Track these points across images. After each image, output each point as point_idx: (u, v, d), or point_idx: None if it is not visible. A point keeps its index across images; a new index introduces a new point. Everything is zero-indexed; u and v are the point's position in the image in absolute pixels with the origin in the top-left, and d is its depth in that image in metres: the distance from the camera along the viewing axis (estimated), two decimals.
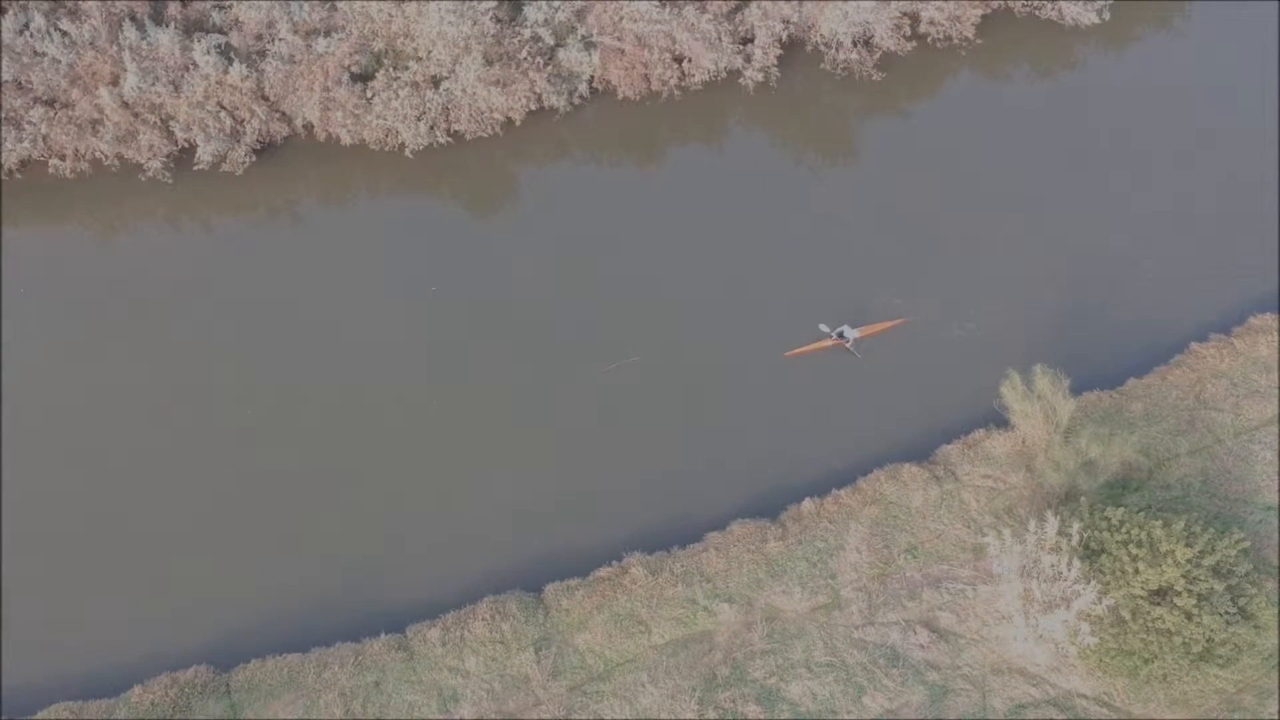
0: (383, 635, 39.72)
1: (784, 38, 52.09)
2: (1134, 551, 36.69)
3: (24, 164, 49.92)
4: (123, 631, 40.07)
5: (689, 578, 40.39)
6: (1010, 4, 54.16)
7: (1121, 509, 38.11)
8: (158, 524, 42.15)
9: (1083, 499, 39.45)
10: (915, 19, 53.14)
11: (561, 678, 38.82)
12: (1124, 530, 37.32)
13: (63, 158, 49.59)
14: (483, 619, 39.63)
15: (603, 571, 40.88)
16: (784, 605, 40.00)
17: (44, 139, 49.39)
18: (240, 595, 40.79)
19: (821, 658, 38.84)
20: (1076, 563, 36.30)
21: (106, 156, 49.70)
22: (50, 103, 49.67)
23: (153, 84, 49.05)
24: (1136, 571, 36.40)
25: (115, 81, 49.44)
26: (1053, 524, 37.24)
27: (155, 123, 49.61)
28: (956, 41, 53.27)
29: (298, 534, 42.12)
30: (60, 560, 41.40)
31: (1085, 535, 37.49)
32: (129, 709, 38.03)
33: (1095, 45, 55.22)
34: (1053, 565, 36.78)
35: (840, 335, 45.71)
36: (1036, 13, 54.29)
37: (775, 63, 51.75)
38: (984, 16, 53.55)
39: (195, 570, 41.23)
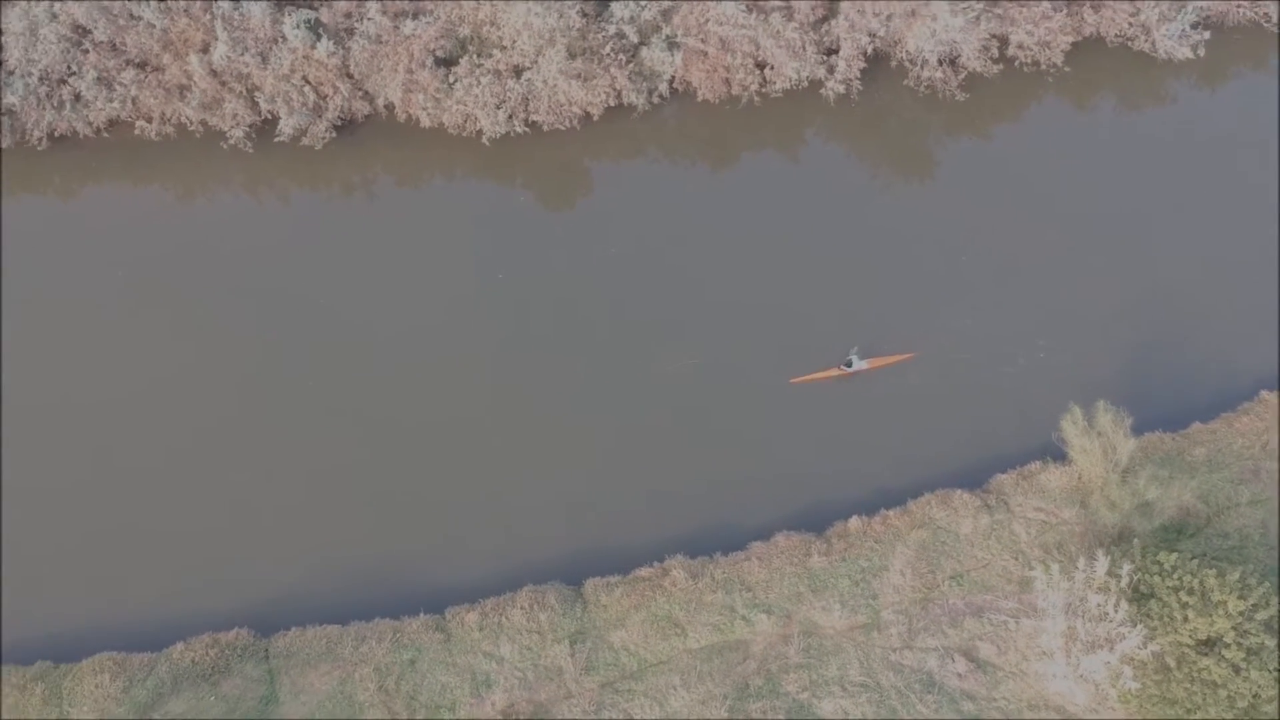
0: (422, 615, 40.16)
1: (869, 51, 51.71)
2: (1185, 599, 35.97)
3: (112, 123, 51.02)
4: (170, 590, 40.98)
5: (729, 585, 40.30)
6: (1102, 33, 53.26)
7: (1175, 554, 37.37)
8: (216, 488, 42.99)
9: (1136, 540, 38.74)
10: (1004, 42, 52.46)
11: (594, 673, 38.92)
12: (1176, 576, 36.59)
13: (149, 120, 50.65)
14: (521, 608, 39.86)
15: (644, 571, 40.94)
16: (823, 621, 39.75)
17: (133, 101, 50.44)
18: (286, 565, 41.49)
19: (856, 677, 38.55)
20: (1124, 604, 35.69)
21: (191, 122, 50.65)
22: (142, 65, 50.70)
23: (241, 54, 49.87)
24: (1186, 619, 35.69)
25: (206, 49, 50.35)
26: (1103, 563, 36.62)
27: (241, 92, 50.44)
28: (1044, 67, 52.52)
29: (348, 509, 42.69)
30: (119, 515, 42.41)
31: (1135, 578, 36.82)
32: (170, 664, 38.84)
33: (1187, 81, 54.13)
34: (1099, 605, 36.18)
35: (848, 365, 45.14)
36: (1129, 44, 53.35)
37: (858, 75, 51.39)
38: (1074, 44, 52.73)
39: (245, 536, 42.02)
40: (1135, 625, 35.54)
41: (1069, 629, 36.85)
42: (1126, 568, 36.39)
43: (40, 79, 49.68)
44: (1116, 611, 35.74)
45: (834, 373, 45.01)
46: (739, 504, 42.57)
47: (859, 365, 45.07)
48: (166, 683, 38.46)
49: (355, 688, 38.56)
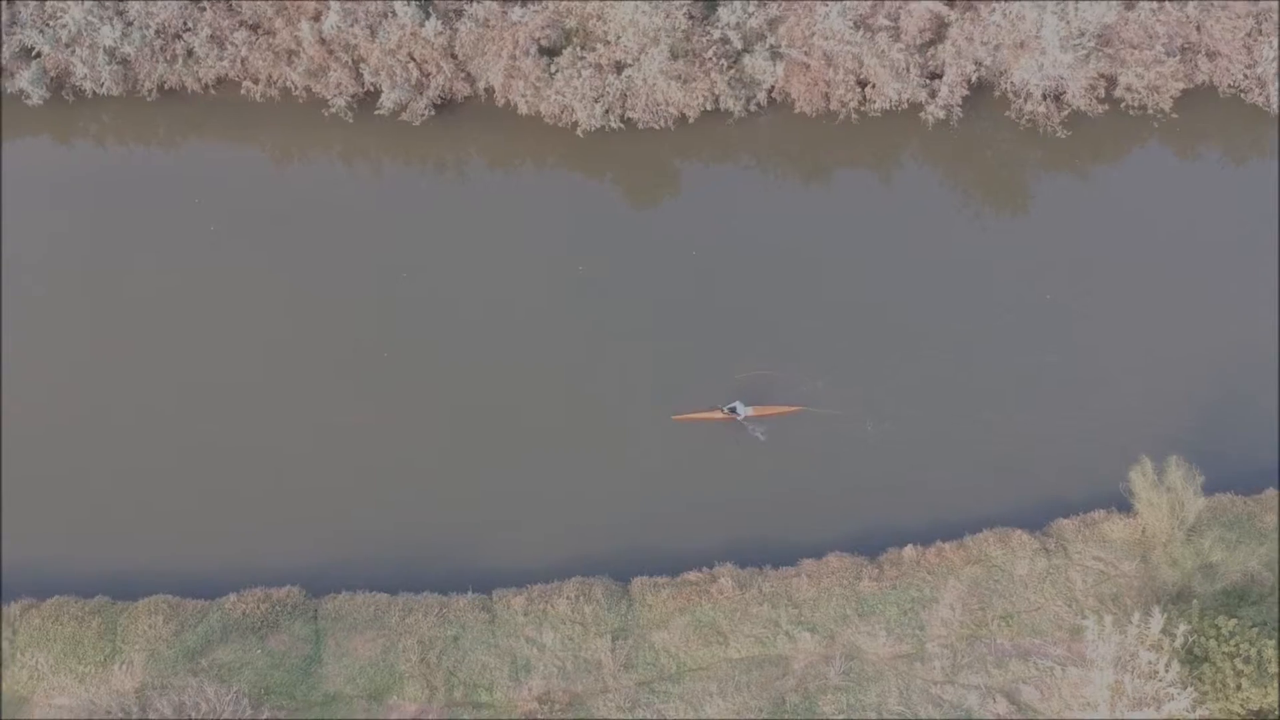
0: (469, 593, 40.64)
1: (973, 79, 51.13)
2: (1240, 666, 35.22)
3: (220, 81, 52.19)
4: (230, 543, 42.06)
5: (776, 599, 40.22)
6: (1215, 83, 52.13)
7: (1235, 620, 36.59)
8: (284, 450, 44.04)
9: (1195, 601, 37.99)
10: (1112, 82, 51.56)
11: (633, 671, 39.11)
12: (1233, 642, 35.83)
13: (256, 81, 51.72)
14: (568, 598, 40.15)
15: (692, 575, 41.04)
16: (866, 646, 39.52)
17: (243, 61, 51.52)
18: (344, 530, 42.36)
19: (895, 706, 38.30)
20: (1176, 665, 35.00)
21: (296, 87, 51.62)
22: (254, 27, 51.77)
23: (351, 25, 50.70)
24: (1239, 688, 34.96)
25: (317, 17, 51.26)
26: (1158, 620, 35.94)
27: (347, 63, 51.29)
28: (1151, 111, 51.50)
29: (409, 483, 43.42)
30: (190, 465, 43.64)
31: (1190, 639, 36.08)
32: (222, 614, 39.77)
33: None
34: (1150, 663, 35.50)
35: (732, 410, 44.55)
36: (1242, 95, 52.09)
37: (960, 102, 50.86)
38: (1185, 91, 51.63)
39: (307, 499, 42.94)
40: (1185, 687, 34.84)
41: (1116, 683, 36.20)
42: (1183, 628, 35.70)
43: (157, 32, 50.97)
44: (1167, 671, 35.05)
45: (717, 415, 44.55)
46: (795, 519, 42.51)
47: (744, 412, 44.56)
48: (216, 631, 39.38)
49: (397, 657, 39.14)
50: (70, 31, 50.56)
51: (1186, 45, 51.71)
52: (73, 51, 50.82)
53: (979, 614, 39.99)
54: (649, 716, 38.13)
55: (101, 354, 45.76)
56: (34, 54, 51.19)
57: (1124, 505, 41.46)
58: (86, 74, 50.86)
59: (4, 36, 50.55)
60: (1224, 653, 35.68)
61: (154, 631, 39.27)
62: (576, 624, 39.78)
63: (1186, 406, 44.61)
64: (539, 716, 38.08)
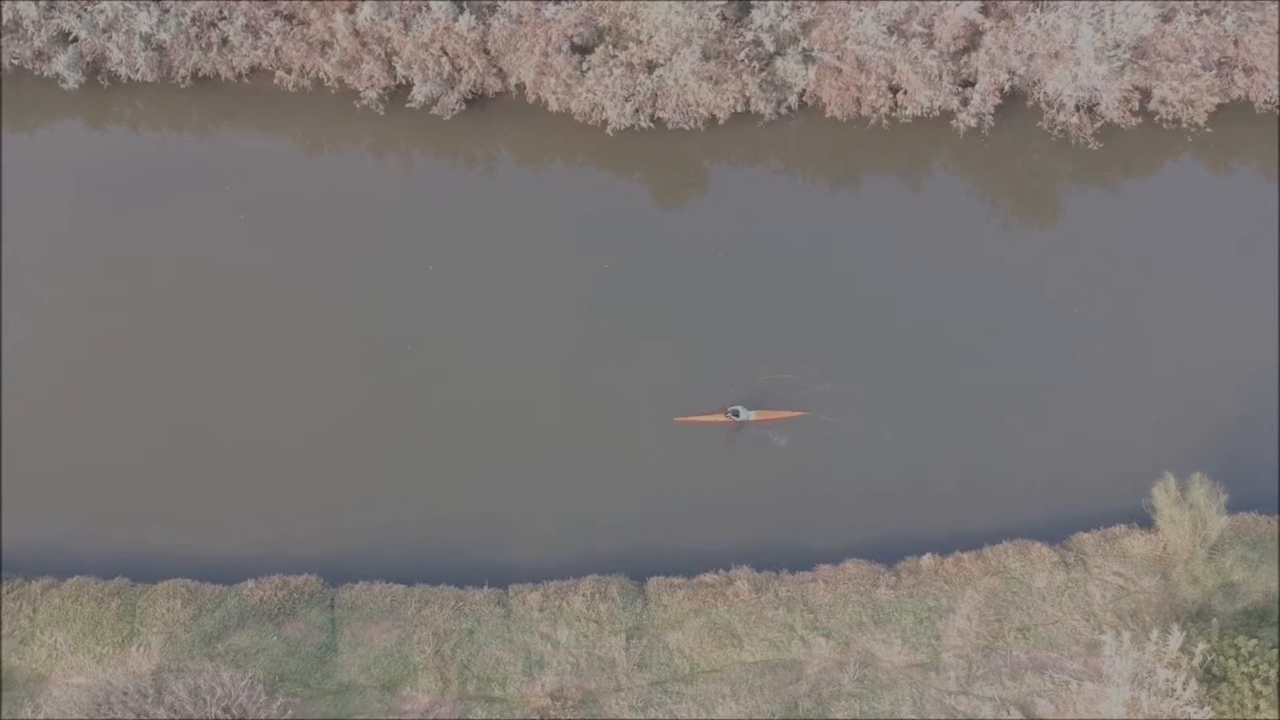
0: (486, 587, 40.73)
1: (1006, 88, 50.89)
2: (1259, 688, 34.93)
3: (253, 70, 52.48)
4: (249, 529, 42.29)
5: (792, 603, 40.15)
6: (1251, 98, 51.68)
7: (1255, 640, 36.30)
8: (305, 438, 44.18)
9: (1215, 620, 37.69)
10: (1146, 95, 51.20)
11: (646, 670, 39.12)
12: (1252, 663, 35.55)
13: (289, 71, 51.98)
14: (583, 595, 40.19)
15: (708, 577, 41.02)
16: (881, 654, 39.40)
17: (276, 51, 51.78)
18: (363, 520, 42.53)
19: (908, 714, 38.16)
20: (1194, 684, 34.73)
21: (329, 78, 51.85)
22: (289, 18, 52.02)
23: (385, 18, 50.90)
24: (1258, 709, 34.69)
25: (352, 9, 51.47)
26: (1177, 638, 35.67)
27: (380, 55, 51.48)
28: (1185, 126, 51.09)
29: (427, 474, 43.52)
30: (209, 449, 43.88)
31: (1209, 658, 35.80)
32: (240, 599, 40.00)
33: None
34: (1168, 680, 35.24)
35: (734, 414, 44.41)
36: (1278, 111, 51.73)
37: (992, 111, 50.62)
38: (1220, 105, 51.21)
39: (326, 487, 43.11)
40: (1203, 707, 34.59)
41: (1132, 699, 35.97)
42: (1201, 646, 35.43)
43: (192, 20, 51.31)
44: (1185, 690, 34.79)
45: (720, 418, 44.46)
46: (813, 524, 42.44)
47: (746, 415, 44.44)
48: (234, 616, 39.60)
49: (412, 649, 39.27)
50: (107, 17, 50.97)
51: (1223, 59, 51.29)
52: (109, 37, 51.22)
53: (996, 625, 39.81)
54: (661, 716, 38.13)
55: (130, 338, 46.05)
56: (71, 38, 51.63)
57: (1145, 521, 41.18)
58: (122, 60, 51.25)
59: (42, 21, 51.05)
60: (1243, 673, 35.40)
61: (172, 615, 39.54)
62: (591, 621, 39.81)
63: (1212, 423, 44.22)
64: (551, 712, 38.14)
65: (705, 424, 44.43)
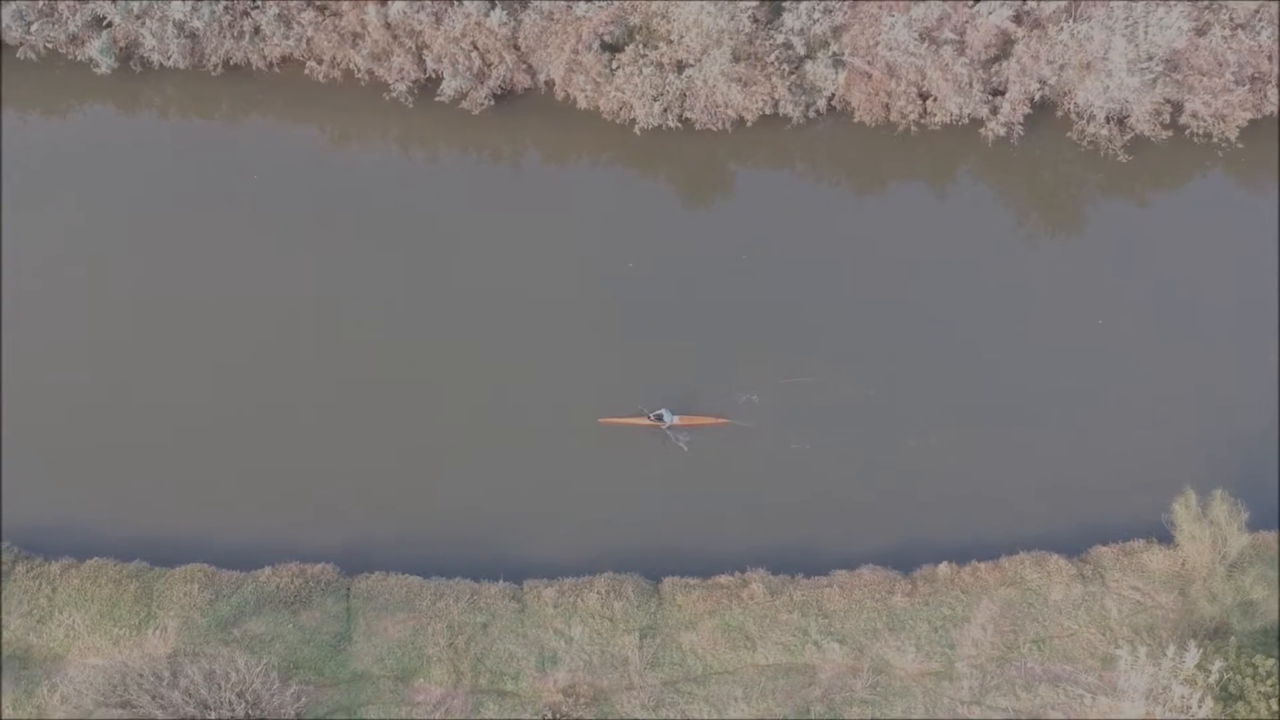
0: (501, 582, 40.81)
1: (1036, 98, 50.68)
2: (1275, 708, 34.70)
3: (284, 60, 52.72)
4: (268, 516, 42.45)
5: (806, 608, 40.10)
6: None
7: (1273, 660, 36.04)
8: (327, 427, 44.35)
9: (1232, 638, 37.44)
10: (1178, 108, 50.92)
11: (659, 670, 39.13)
12: (1269, 682, 35.31)
13: (320, 62, 52.20)
14: (598, 593, 40.23)
15: (723, 578, 41.00)
16: (895, 661, 39.31)
17: (308, 41, 52.03)
18: (381, 511, 42.65)
19: None
20: (1209, 701, 34.58)
21: (359, 70, 52.05)
22: (321, 9, 52.23)
23: (417, 11, 51.05)
24: None
25: (384, 2, 51.67)
26: (1194, 655, 35.51)
27: (411, 48, 51.64)
28: (1216, 140, 50.81)
29: (446, 466, 43.61)
30: (231, 436, 44.08)
31: (1226, 676, 35.59)
32: (257, 586, 40.20)
33: None
34: (1183, 697, 35.10)
35: (658, 418, 44.26)
36: None
37: (1021, 120, 50.43)
38: (1252, 121, 50.90)
39: (346, 477, 43.24)
40: None
41: (1147, 715, 35.84)
42: (1218, 664, 35.23)
43: (225, 8, 51.59)
44: (1200, 707, 34.64)
45: (643, 421, 44.32)
46: (830, 529, 42.36)
47: (670, 420, 44.31)
48: (250, 603, 39.79)
49: (426, 640, 39.38)
50: (142, 3, 51.31)
51: (1257, 75, 50.93)
52: (143, 23, 51.54)
53: (1011, 636, 39.66)
54: (673, 716, 38.13)
55: (156, 324, 46.28)
56: (105, 23, 51.99)
57: (1165, 536, 40.98)
58: (155, 46, 51.57)
59: (77, 5, 51.43)
60: (1260, 692, 35.17)
61: (189, 599, 39.76)
62: (605, 619, 39.85)
63: (1235, 440, 44.02)
64: (563, 708, 38.18)
65: (628, 425, 44.32)
